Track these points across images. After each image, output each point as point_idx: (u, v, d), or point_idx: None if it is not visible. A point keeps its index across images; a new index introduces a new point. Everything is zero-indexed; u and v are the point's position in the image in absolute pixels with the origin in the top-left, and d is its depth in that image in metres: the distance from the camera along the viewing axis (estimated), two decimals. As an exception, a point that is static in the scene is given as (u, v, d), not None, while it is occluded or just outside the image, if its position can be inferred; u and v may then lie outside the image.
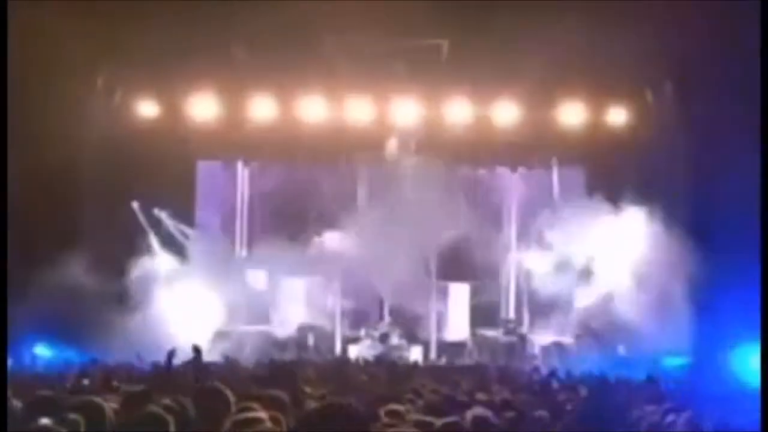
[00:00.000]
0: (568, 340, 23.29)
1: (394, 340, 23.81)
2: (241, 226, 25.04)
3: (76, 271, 20.58)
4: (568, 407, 9.07)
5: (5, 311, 11.49)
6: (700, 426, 7.22)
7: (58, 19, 18.03)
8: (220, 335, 22.81)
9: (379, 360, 21.19)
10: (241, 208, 25.09)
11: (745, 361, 16.90)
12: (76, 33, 18.57)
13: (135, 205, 23.62)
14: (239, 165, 25.10)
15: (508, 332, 24.37)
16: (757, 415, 8.39)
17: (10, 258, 12.01)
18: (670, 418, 7.48)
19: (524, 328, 24.49)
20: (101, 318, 20.76)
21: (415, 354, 23.57)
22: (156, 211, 23.88)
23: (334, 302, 24.37)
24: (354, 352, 23.48)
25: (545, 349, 23.36)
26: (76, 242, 21.14)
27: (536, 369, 19.01)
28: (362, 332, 24.19)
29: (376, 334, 23.79)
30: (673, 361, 20.33)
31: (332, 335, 24.32)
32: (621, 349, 21.78)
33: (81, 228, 21.56)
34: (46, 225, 19.70)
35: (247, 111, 23.47)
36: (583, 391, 11.99)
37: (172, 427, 5.11)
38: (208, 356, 14.48)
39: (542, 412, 8.05)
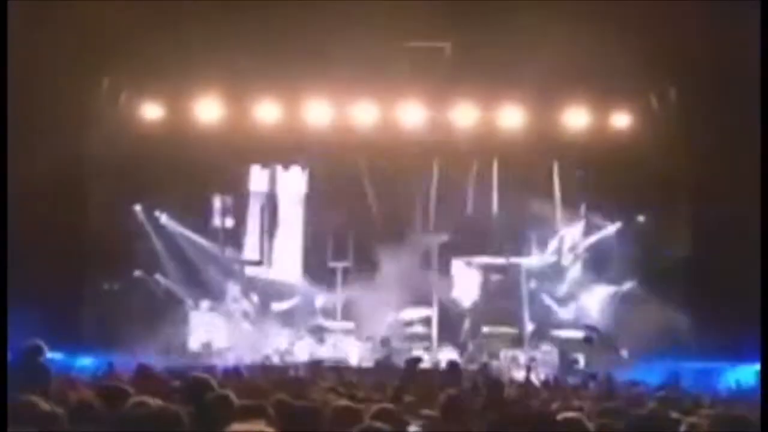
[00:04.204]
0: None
1: (395, 343, 23.74)
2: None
3: (81, 272, 20.69)
4: None
5: (5, 311, 11.49)
6: None
7: (64, 19, 18.05)
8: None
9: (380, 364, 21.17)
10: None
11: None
12: (81, 34, 18.59)
13: (137, 207, 23.71)
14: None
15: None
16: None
17: (10, 259, 12.03)
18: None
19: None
20: (113, 322, 20.84)
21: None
22: (157, 213, 23.98)
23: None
24: (356, 355, 23.47)
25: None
26: (79, 243, 21.17)
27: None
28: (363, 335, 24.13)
29: (377, 337, 23.69)
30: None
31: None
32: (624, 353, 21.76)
33: (84, 229, 21.50)
34: (48, 227, 19.68)
35: (252, 114, 23.43)
36: None
37: None
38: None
39: None
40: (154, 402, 4.92)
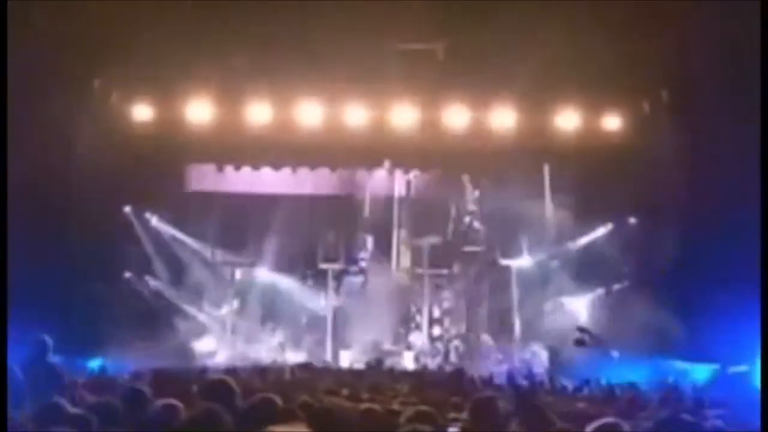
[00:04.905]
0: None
1: (386, 345, 23.73)
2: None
3: (71, 274, 20.57)
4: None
5: (5, 311, 11.39)
6: None
7: (55, 20, 17.94)
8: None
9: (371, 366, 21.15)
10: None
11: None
12: (73, 35, 18.49)
13: (128, 209, 23.62)
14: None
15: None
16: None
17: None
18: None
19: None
20: (103, 324, 20.73)
21: (408, 359, 23.52)
22: (147, 215, 23.90)
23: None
24: (346, 357, 23.44)
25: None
26: (69, 245, 21.05)
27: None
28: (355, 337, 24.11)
29: (368, 338, 23.68)
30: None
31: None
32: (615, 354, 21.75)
33: (74, 230, 21.36)
34: (36, 228, 19.52)
35: (243, 116, 23.33)
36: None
37: None
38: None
39: None
40: (181, 405, 4.86)
